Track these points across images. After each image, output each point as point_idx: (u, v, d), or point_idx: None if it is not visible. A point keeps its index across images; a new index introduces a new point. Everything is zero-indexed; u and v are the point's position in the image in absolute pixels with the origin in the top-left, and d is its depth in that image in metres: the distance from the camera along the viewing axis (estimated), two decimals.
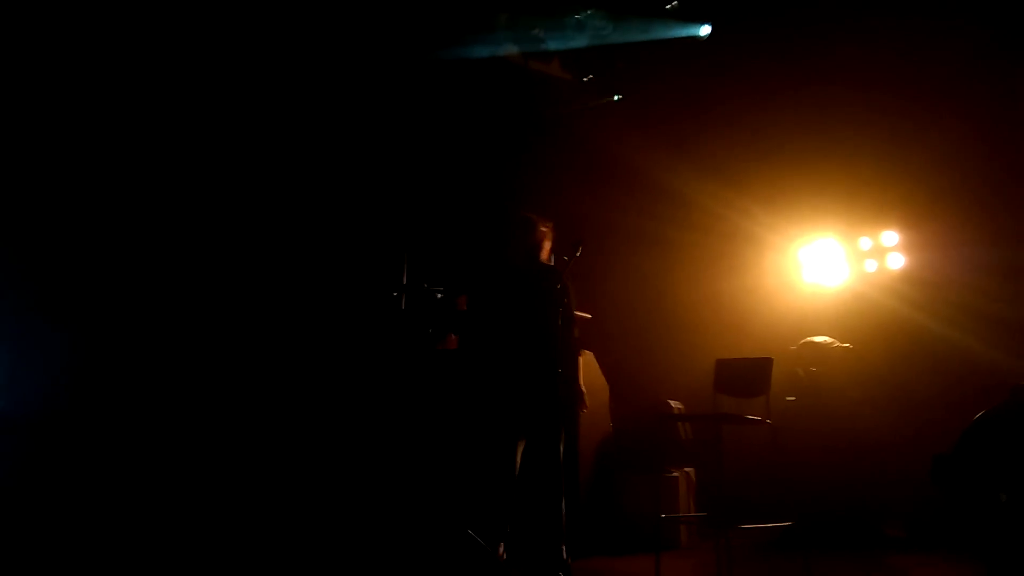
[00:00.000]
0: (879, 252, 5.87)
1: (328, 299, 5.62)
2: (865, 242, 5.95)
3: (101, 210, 4.54)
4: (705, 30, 6.24)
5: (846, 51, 5.66)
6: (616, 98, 6.83)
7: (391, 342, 5.55)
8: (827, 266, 6.05)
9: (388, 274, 5.84)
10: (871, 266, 5.90)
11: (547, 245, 4.14)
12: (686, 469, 5.10)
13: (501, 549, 3.66)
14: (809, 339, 5.29)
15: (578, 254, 4.11)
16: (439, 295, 5.69)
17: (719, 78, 6.18)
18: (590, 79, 6.81)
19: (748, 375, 4.20)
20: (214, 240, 5.06)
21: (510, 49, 6.53)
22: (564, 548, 3.55)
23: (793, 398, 5.11)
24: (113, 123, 4.60)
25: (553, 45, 6.53)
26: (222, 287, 5.00)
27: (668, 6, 6.18)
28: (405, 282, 5.75)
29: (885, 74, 5.51)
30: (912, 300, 5.43)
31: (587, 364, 4.71)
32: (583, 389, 4.09)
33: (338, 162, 5.90)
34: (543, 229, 4.11)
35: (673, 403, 5.17)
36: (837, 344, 5.21)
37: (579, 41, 6.46)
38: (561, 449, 3.62)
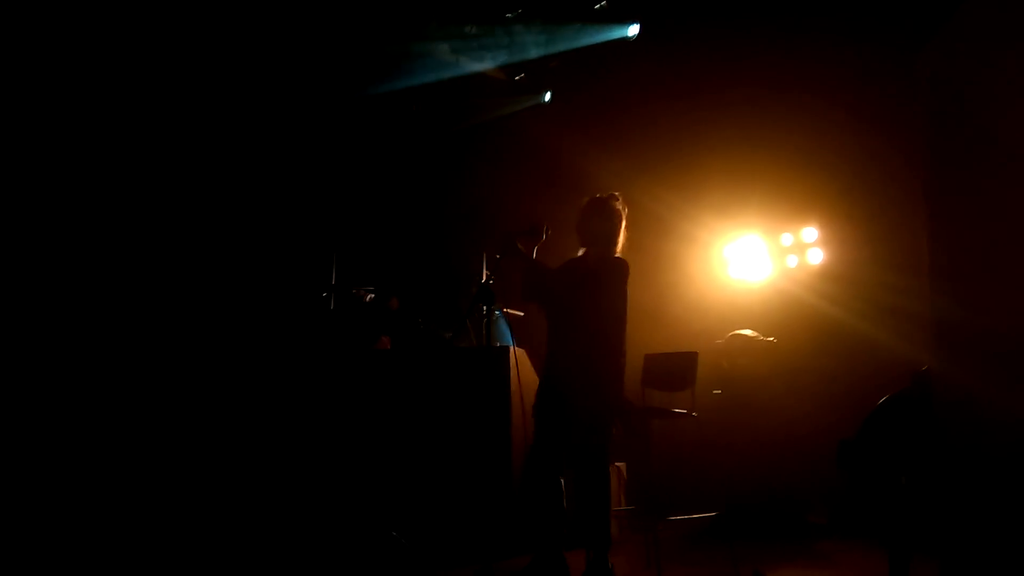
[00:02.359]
0: (800, 248, 6.07)
1: (259, 299, 5.50)
2: (787, 238, 6.14)
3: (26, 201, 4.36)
4: (633, 30, 6.36)
5: (768, 53, 5.84)
6: (547, 96, 6.89)
7: (323, 342, 5.47)
8: (751, 262, 6.22)
9: (318, 274, 5.75)
10: (792, 262, 6.10)
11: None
12: (617, 464, 5.16)
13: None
14: (734, 333, 5.42)
15: (544, 237, 3.77)
16: (370, 296, 5.63)
17: (647, 77, 6.29)
18: (522, 78, 6.87)
19: (675, 369, 4.28)
20: (141, 239, 4.91)
21: (443, 47, 6.52)
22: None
23: (719, 391, 5.23)
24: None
25: (486, 44, 6.54)
26: (150, 286, 4.85)
27: (597, 6, 6.28)
28: (334, 282, 5.67)
29: (805, 77, 5.70)
30: (828, 295, 5.64)
31: (520, 361, 4.71)
32: None
33: (270, 160, 5.78)
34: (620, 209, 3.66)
35: None
36: (761, 338, 5.36)
37: (511, 40, 6.49)
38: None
